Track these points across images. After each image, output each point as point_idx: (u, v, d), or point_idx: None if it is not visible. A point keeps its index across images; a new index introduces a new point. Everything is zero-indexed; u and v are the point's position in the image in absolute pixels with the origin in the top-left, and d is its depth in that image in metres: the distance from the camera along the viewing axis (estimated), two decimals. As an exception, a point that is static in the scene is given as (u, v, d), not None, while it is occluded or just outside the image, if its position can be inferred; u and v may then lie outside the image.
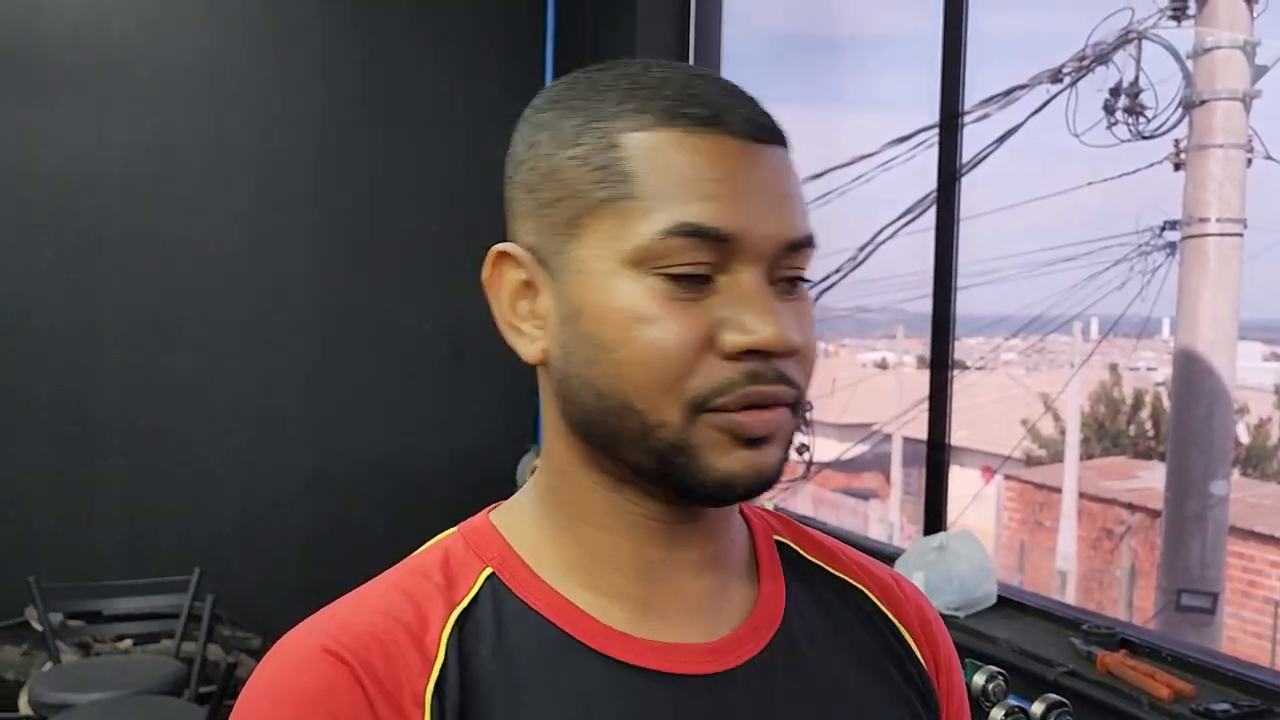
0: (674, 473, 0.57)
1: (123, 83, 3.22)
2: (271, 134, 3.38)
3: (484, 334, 3.49)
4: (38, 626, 2.88)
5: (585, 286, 0.57)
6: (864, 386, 10.69)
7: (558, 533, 0.62)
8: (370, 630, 0.57)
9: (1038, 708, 1.44)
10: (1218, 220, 4.02)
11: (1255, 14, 3.99)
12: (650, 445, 0.56)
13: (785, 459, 0.59)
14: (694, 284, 0.55)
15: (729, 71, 3.43)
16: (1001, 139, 4.04)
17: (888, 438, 11.08)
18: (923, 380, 2.69)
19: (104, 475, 3.25)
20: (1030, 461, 11.17)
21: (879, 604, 0.68)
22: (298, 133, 3.40)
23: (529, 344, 0.61)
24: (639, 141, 0.56)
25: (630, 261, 0.55)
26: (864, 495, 11.17)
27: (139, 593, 3.06)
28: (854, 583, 0.69)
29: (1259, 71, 4.03)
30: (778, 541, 0.68)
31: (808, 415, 0.58)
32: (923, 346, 3.03)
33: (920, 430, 2.68)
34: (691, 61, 3.35)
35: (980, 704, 1.44)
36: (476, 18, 3.58)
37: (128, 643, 3.03)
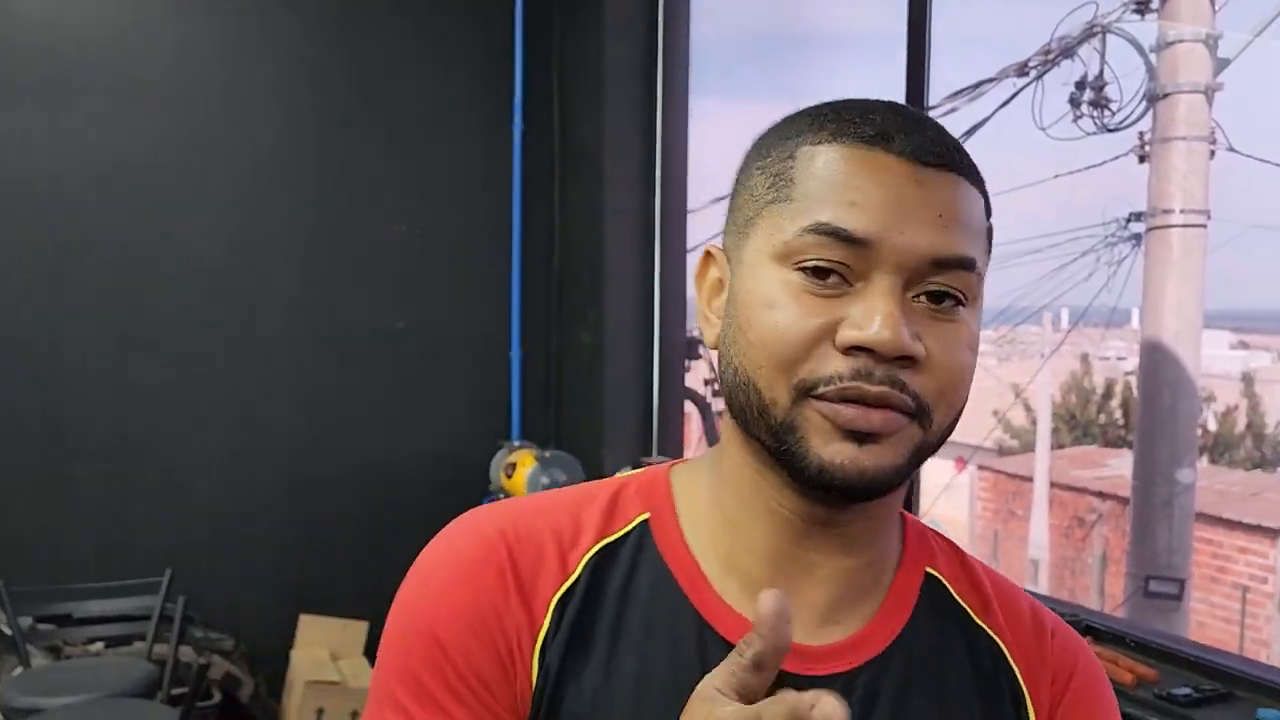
0: (785, 454, 0.61)
1: (92, 86, 3.18)
2: (243, 137, 3.35)
3: (457, 334, 3.54)
4: (7, 630, 2.85)
5: (743, 275, 0.63)
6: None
7: (713, 500, 0.68)
8: (531, 532, 0.66)
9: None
10: (1181, 212, 4.07)
11: (1217, 7, 4.04)
12: (767, 423, 0.61)
13: (901, 466, 0.61)
14: (826, 280, 0.59)
15: (697, 67, 3.43)
16: (969, 132, 4.07)
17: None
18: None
19: (77, 481, 3.22)
20: (1003, 452, 11.26)
21: (1011, 661, 0.68)
22: (268, 135, 3.38)
23: (710, 330, 0.67)
24: (809, 153, 0.61)
25: (778, 255, 0.61)
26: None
27: (109, 595, 3.03)
28: (991, 633, 0.69)
29: (1221, 64, 4.08)
30: (929, 574, 0.70)
31: (936, 430, 0.59)
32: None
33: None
34: (660, 59, 3.35)
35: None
36: (445, 17, 3.56)
37: (99, 645, 3.00)
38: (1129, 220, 4.58)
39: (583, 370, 3.49)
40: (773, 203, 0.62)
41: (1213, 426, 11.48)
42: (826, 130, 0.61)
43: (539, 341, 3.63)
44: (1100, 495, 8.72)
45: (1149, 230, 4.24)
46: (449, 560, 0.66)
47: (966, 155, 0.63)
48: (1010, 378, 11.40)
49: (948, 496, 10.91)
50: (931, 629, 0.67)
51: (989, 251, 0.65)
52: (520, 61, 3.57)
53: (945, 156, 0.61)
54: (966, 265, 0.60)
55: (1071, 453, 10.23)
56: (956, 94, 4.10)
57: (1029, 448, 10.29)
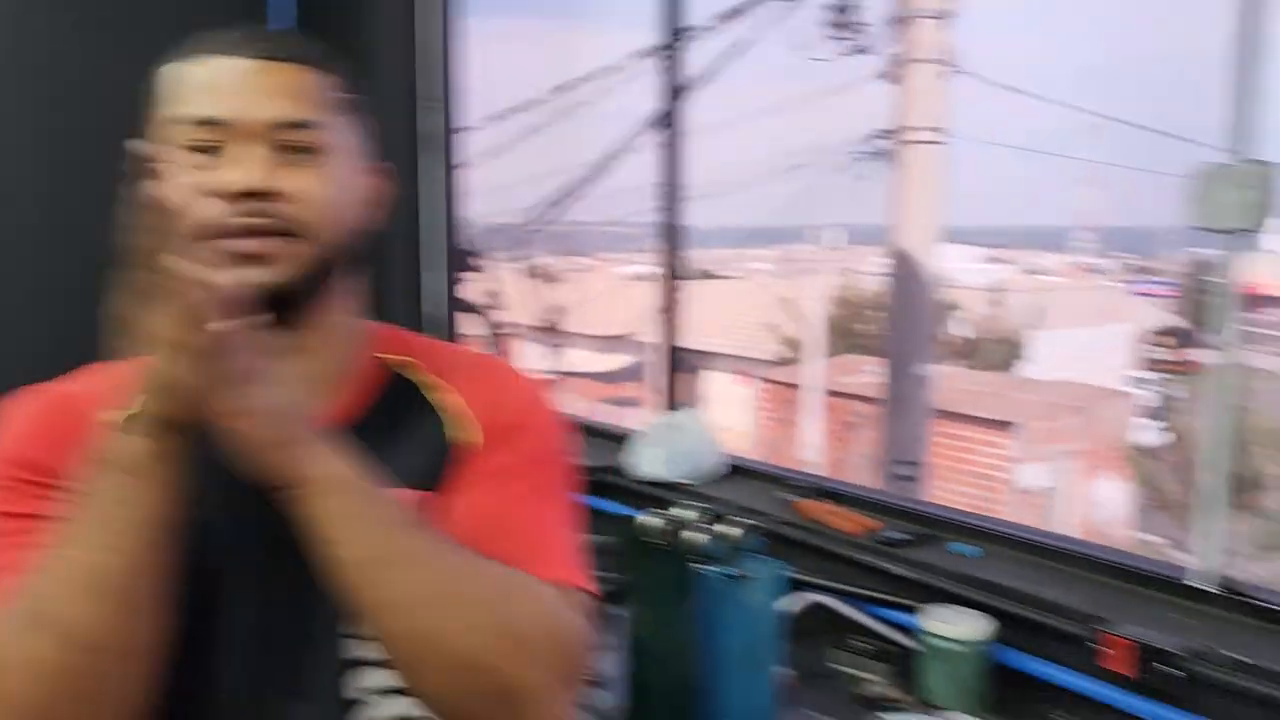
0: None
1: None
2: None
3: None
4: None
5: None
6: (623, 299, 10.99)
7: None
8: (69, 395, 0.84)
9: (735, 531, 1.71)
10: (922, 130, 4.44)
11: (951, -63, 4.37)
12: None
13: (295, 277, 0.78)
14: (204, 154, 0.79)
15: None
16: (728, 55, 4.27)
17: (646, 346, 11.46)
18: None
19: None
20: (782, 363, 11.89)
21: (450, 393, 0.86)
22: None
23: None
24: (176, 70, 0.81)
25: (176, 145, 0.79)
26: (627, 403, 11.58)
27: None
28: (433, 381, 0.87)
29: (956, -9, 4.44)
30: (394, 373, 0.87)
31: (330, 243, 0.77)
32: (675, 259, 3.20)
33: (676, 339, 2.86)
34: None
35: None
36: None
37: None
38: (877, 138, 4.94)
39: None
40: (161, 110, 0.80)
41: (968, 334, 12.50)
42: (186, 53, 0.81)
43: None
44: (864, 400, 9.40)
45: (894, 148, 4.59)
46: (18, 406, 0.83)
47: (308, 51, 0.83)
48: (787, 294, 12.02)
49: (736, 407, 11.47)
50: (388, 408, 0.85)
51: (353, 109, 0.85)
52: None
53: (282, 54, 0.80)
54: (305, 125, 0.79)
55: (840, 361, 10.93)
56: (720, 17, 4.29)
57: (806, 359, 10.92)
